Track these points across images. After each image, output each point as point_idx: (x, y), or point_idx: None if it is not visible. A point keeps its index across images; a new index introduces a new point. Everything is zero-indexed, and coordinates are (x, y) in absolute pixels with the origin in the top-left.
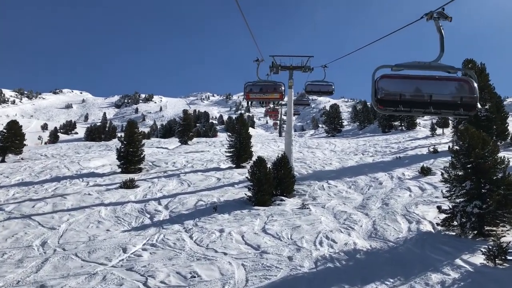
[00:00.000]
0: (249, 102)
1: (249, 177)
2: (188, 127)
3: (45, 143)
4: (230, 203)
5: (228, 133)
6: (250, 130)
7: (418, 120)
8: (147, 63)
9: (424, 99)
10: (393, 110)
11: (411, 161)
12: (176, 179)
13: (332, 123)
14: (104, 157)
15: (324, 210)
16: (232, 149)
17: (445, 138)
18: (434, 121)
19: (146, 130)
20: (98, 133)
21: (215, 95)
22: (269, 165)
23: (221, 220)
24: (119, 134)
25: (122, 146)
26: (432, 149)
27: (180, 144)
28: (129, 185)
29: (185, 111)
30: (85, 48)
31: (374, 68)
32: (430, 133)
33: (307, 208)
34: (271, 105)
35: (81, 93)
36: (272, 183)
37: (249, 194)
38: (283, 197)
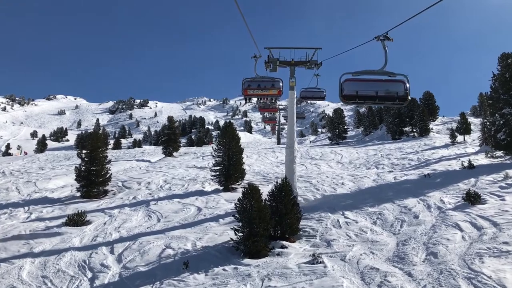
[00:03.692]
0: (247, 99)
1: (237, 216)
2: (174, 136)
3: (25, 153)
4: (209, 252)
5: (214, 146)
6: (247, 136)
7: (431, 126)
8: (143, 68)
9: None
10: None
11: (445, 180)
12: (143, 210)
13: (335, 129)
14: (69, 175)
15: (346, 266)
16: (219, 167)
17: (470, 147)
18: (454, 126)
19: (140, 136)
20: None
21: (211, 99)
22: (265, 190)
23: (192, 286)
24: (111, 141)
25: (83, 164)
26: (467, 164)
27: (164, 156)
28: (76, 221)
29: (170, 118)
30: (81, 55)
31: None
32: (450, 141)
33: (321, 263)
34: (267, 115)
35: (75, 99)
36: (270, 222)
37: (237, 237)
38: (284, 242)
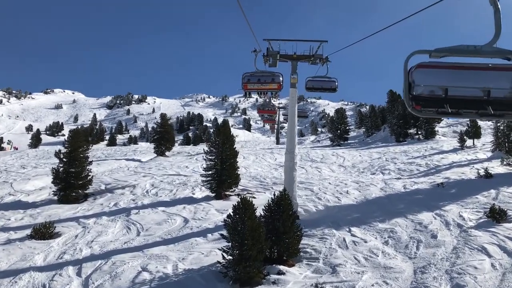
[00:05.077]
0: (246, 93)
1: (225, 235)
2: (166, 135)
3: (15, 148)
4: (192, 277)
5: (205, 148)
6: (246, 134)
7: (436, 128)
8: (142, 63)
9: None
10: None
11: (461, 191)
12: (122, 220)
13: (337, 130)
14: (50, 175)
15: None
16: (210, 172)
17: (480, 152)
18: (461, 129)
19: (137, 132)
20: (85, 135)
21: (211, 96)
22: (261, 198)
23: None
24: (107, 137)
25: (61, 165)
26: (484, 172)
27: (155, 155)
28: (43, 233)
29: (162, 115)
30: (80, 48)
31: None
32: (459, 145)
33: None
34: (266, 115)
35: (73, 93)
36: (265, 243)
37: (226, 260)
38: (281, 267)
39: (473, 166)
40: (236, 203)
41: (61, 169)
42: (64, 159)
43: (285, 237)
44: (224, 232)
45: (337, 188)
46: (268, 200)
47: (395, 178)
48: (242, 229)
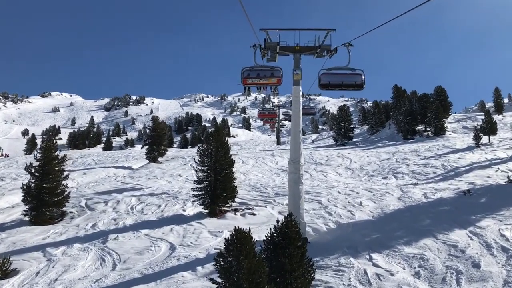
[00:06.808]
0: (246, 88)
1: (217, 280)
2: (158, 139)
3: (6, 155)
4: None
5: (197, 158)
6: (245, 133)
7: (445, 124)
8: (139, 64)
9: None
10: None
11: (493, 200)
12: (97, 249)
13: (341, 129)
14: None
15: None
16: (202, 185)
17: (499, 150)
18: (473, 124)
19: (135, 134)
20: (82, 138)
21: (209, 96)
22: (262, 214)
23: None
24: (104, 139)
25: (32, 180)
26: None
27: (148, 162)
28: None
29: (155, 118)
30: (77, 51)
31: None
32: (474, 143)
33: None
34: (266, 113)
35: (70, 95)
36: (269, 287)
37: None
38: None
39: (498, 168)
40: (229, 237)
41: (33, 185)
42: (36, 174)
43: (293, 276)
44: (214, 265)
45: (348, 198)
46: (271, 229)
47: (412, 184)
48: (237, 271)
